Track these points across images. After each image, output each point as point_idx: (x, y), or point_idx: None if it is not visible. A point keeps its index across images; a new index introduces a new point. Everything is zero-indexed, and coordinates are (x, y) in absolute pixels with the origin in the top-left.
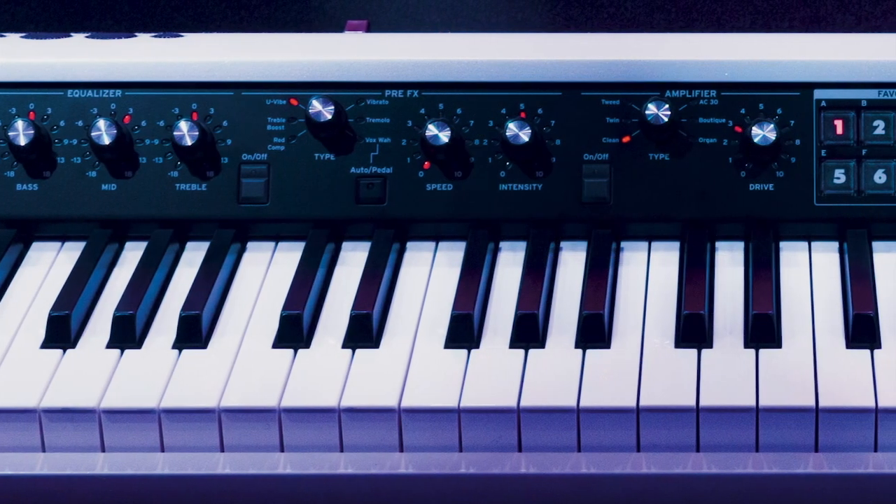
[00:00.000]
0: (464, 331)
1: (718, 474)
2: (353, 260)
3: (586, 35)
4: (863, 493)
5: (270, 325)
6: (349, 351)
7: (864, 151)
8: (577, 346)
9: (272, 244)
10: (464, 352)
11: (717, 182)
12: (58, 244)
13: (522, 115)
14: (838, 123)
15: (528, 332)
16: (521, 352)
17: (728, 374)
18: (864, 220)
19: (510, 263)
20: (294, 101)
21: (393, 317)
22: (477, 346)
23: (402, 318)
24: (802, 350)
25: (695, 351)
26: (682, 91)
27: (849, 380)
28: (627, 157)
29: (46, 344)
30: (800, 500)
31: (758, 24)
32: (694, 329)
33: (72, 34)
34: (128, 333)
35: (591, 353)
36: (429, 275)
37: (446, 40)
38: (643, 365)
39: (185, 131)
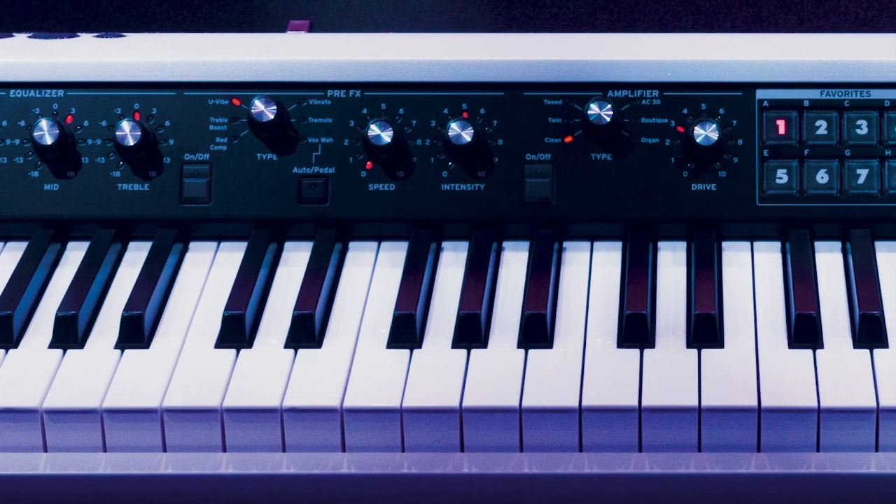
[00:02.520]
0: (406, 331)
1: (661, 474)
2: (295, 260)
3: (528, 35)
4: (805, 493)
5: (213, 325)
6: (291, 351)
7: (806, 151)
8: (519, 346)
9: (214, 244)
10: (406, 352)
11: (660, 182)
12: None
13: (465, 115)
14: (780, 123)
15: (471, 333)
16: (463, 352)
17: (670, 374)
18: (806, 220)
19: (453, 263)
20: (236, 101)
21: (335, 317)
22: (419, 346)
23: (344, 318)
24: (745, 350)
25: (637, 351)
26: (624, 91)
27: (791, 380)
28: (570, 157)
29: None
30: (742, 500)
31: (700, 24)
32: (636, 329)
33: (14, 34)
34: (70, 333)
35: (534, 354)
36: (371, 275)
37: (389, 40)
38: (585, 365)
39: (128, 131)
